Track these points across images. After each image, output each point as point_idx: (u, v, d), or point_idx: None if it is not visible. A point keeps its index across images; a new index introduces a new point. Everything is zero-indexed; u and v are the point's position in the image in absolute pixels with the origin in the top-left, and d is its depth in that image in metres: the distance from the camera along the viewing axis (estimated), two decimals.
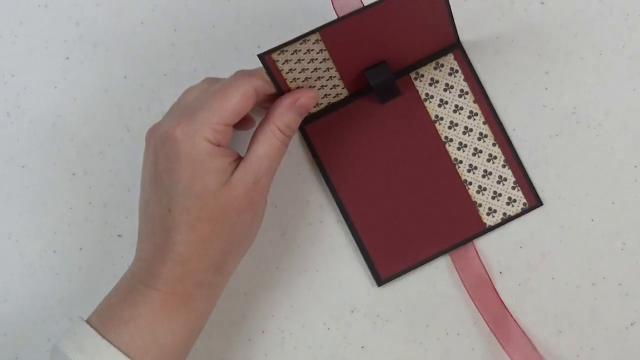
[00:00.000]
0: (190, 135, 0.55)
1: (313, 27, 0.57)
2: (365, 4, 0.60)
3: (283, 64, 0.57)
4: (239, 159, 0.58)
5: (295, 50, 0.57)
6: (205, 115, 0.56)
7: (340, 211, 0.65)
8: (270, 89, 0.58)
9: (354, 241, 0.66)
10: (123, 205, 0.66)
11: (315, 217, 0.66)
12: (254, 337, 0.66)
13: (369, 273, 0.66)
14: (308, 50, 0.58)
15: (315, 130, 0.65)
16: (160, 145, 0.56)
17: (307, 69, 0.59)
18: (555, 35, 0.65)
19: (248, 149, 0.58)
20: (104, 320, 0.57)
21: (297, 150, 0.66)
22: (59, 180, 0.66)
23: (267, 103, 0.60)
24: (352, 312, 0.66)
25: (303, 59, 0.58)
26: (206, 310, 0.59)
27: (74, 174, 0.66)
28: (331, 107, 0.65)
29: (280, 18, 0.66)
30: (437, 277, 0.66)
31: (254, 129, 0.60)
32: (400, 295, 0.66)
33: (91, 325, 0.57)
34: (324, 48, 0.58)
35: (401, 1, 0.57)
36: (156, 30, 0.66)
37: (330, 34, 0.57)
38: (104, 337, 0.56)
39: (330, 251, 0.66)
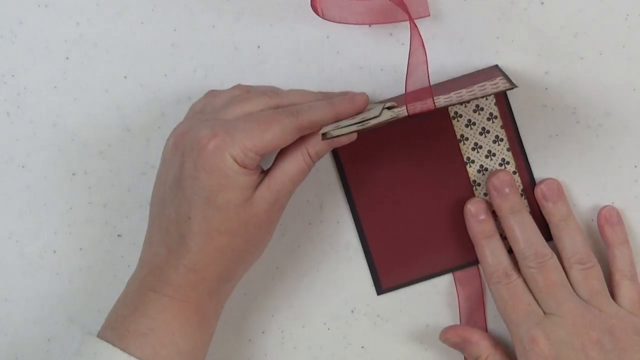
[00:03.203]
0: (222, 150, 0.55)
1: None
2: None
3: None
4: (262, 173, 0.58)
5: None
6: (242, 137, 0.56)
7: (352, 214, 0.65)
8: (312, 130, 0.59)
9: (354, 241, 0.66)
10: (123, 205, 0.66)
11: (315, 217, 0.66)
12: (254, 337, 0.66)
13: (369, 274, 0.66)
14: None
15: None
16: (189, 151, 0.56)
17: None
18: (555, 35, 0.65)
19: (274, 166, 0.58)
20: (120, 334, 0.56)
21: None
22: (59, 180, 0.66)
23: None
24: (352, 312, 0.66)
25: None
26: (216, 316, 0.59)
27: (74, 174, 0.66)
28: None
29: (281, 18, 0.66)
30: (437, 277, 0.66)
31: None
32: (400, 295, 0.66)
33: (107, 341, 0.56)
34: None
35: (464, 96, 0.58)
36: (156, 30, 0.66)
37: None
38: (125, 352, 0.55)
39: (331, 251, 0.66)
